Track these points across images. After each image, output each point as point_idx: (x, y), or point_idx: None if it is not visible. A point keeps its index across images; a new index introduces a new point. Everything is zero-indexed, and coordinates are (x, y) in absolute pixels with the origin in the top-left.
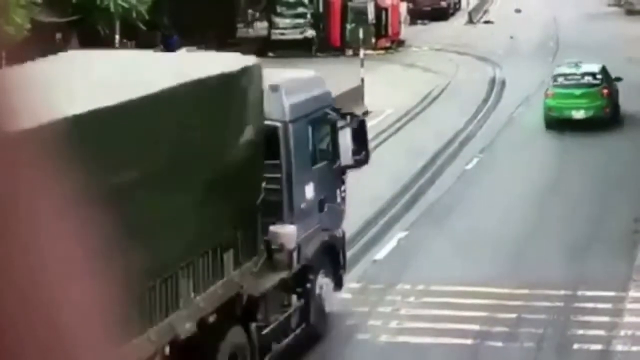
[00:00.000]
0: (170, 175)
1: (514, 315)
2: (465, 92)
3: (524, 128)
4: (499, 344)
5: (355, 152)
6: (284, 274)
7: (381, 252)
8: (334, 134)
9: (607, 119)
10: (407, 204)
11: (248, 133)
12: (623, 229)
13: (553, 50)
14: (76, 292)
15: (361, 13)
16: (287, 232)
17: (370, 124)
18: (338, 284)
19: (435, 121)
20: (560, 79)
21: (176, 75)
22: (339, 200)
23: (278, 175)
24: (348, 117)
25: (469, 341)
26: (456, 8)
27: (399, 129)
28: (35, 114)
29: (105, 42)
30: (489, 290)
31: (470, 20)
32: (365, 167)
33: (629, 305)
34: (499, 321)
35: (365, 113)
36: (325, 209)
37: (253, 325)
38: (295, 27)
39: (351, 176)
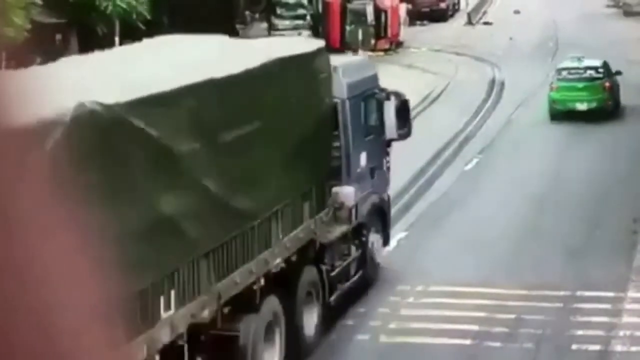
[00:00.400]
0: (267, 135)
1: (513, 316)
2: (465, 93)
3: (524, 129)
4: (498, 344)
5: (399, 127)
6: (345, 228)
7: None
8: (380, 110)
9: (608, 110)
10: (406, 204)
11: (322, 104)
12: (622, 229)
13: (552, 50)
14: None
15: (360, 14)
16: (347, 192)
17: None
18: (385, 241)
19: (435, 122)
20: (564, 73)
21: (265, 54)
22: (385, 169)
23: (338, 144)
24: (392, 97)
25: (468, 341)
26: (455, 9)
27: None
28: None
29: (104, 43)
30: (488, 291)
31: (469, 22)
32: None
33: (628, 306)
34: (498, 322)
35: None
36: (375, 176)
37: (323, 267)
38: (294, 28)
39: None
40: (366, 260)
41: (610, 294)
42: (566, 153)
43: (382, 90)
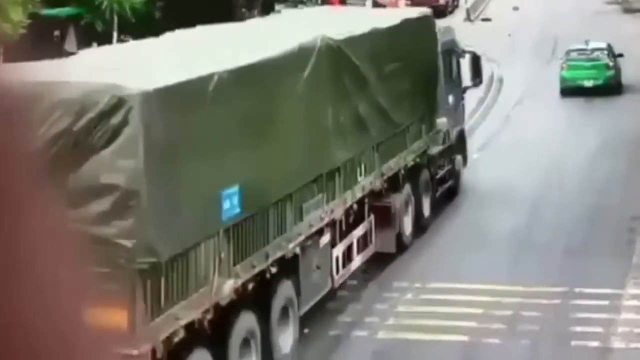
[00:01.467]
0: (404, 73)
1: (511, 312)
2: None
3: (522, 126)
4: (496, 340)
5: (472, 78)
6: (441, 147)
7: None
8: (458, 64)
9: (612, 88)
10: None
11: (431, 55)
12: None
13: (551, 47)
14: None
15: None
16: (442, 121)
17: None
18: (465, 162)
19: None
20: (573, 54)
21: (398, 17)
22: (462, 109)
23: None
24: (468, 55)
25: (466, 338)
26: (454, 5)
27: None
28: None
29: (103, 39)
30: (486, 287)
31: (468, 18)
32: None
33: (627, 302)
34: (496, 318)
35: None
36: (457, 112)
37: (432, 170)
38: None
39: None
40: (454, 173)
41: (609, 291)
42: (563, 149)
43: (460, 48)
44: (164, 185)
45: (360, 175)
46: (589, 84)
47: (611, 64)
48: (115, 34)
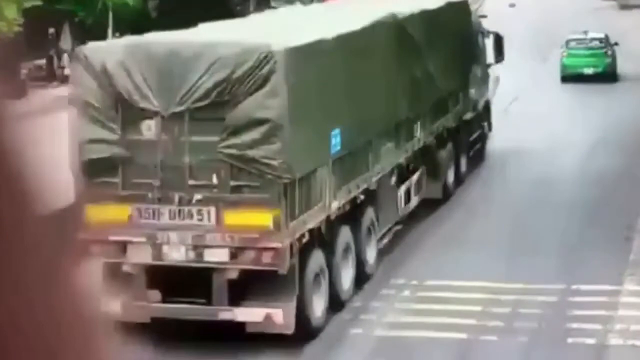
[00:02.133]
0: (449, 48)
1: (508, 310)
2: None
3: (519, 122)
4: (494, 338)
5: (495, 55)
6: (473, 114)
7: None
8: (484, 43)
9: (610, 75)
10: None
11: (467, 34)
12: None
13: (547, 44)
14: None
15: None
16: (473, 91)
17: None
18: (490, 128)
19: None
20: (573, 43)
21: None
22: (487, 82)
23: None
24: (492, 35)
25: (463, 335)
26: None
27: None
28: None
29: (97, 36)
30: (484, 285)
31: None
32: None
33: (624, 299)
34: (494, 315)
35: None
36: (483, 85)
37: (466, 133)
38: None
39: None
40: (482, 136)
41: (606, 287)
42: (560, 144)
43: (486, 30)
44: (298, 121)
45: (417, 131)
46: (589, 71)
47: (609, 52)
48: (110, 31)
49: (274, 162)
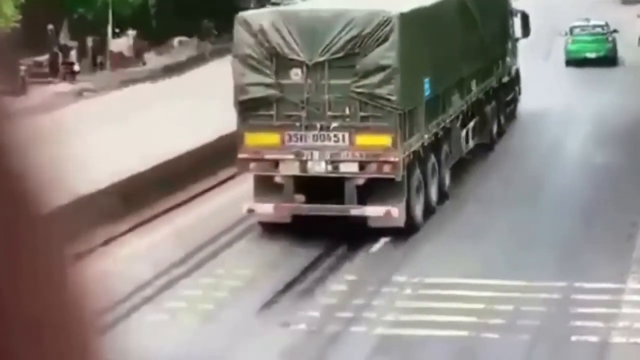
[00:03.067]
0: (492, 22)
1: (510, 307)
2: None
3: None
4: (496, 336)
5: (522, 30)
6: (508, 78)
7: (376, 245)
8: (513, 20)
9: (611, 59)
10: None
11: (505, 11)
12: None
13: (549, 37)
14: None
15: None
16: (508, 59)
17: None
18: (519, 92)
19: None
20: (576, 30)
21: None
22: (516, 53)
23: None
24: (519, 13)
25: (465, 333)
26: None
27: None
28: None
29: (96, 32)
30: (486, 283)
31: None
32: None
33: (627, 297)
34: (496, 313)
35: None
36: (514, 55)
37: (503, 94)
38: None
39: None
40: (515, 98)
41: (609, 285)
42: (557, 140)
43: (514, 9)
44: (407, 69)
45: (473, 87)
46: (591, 55)
47: (610, 38)
48: (110, 28)
49: (392, 98)
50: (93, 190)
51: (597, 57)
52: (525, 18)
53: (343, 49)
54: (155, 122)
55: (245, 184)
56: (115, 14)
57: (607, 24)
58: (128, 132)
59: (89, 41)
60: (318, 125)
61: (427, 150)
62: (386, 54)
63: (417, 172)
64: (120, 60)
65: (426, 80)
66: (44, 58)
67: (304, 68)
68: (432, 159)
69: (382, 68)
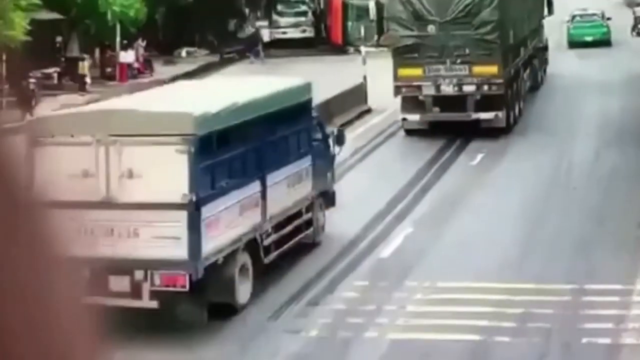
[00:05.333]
0: (531, 2)
1: (521, 310)
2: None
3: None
4: (507, 339)
5: (547, 10)
6: (542, 44)
7: (387, 250)
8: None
9: (605, 41)
10: (409, 204)
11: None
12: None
13: (557, 42)
14: None
15: (362, 10)
16: (543, 29)
17: (373, 121)
18: (547, 60)
19: None
20: (577, 17)
21: None
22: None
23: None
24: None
25: (477, 337)
26: None
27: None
28: None
29: (104, 44)
30: (496, 286)
31: None
32: (370, 169)
33: (637, 298)
34: (507, 316)
35: (368, 111)
36: (542, 28)
37: (541, 56)
38: (296, 25)
39: (357, 184)
40: (546, 62)
41: (619, 287)
42: (552, 138)
43: None
44: (504, 23)
45: (529, 43)
46: (589, 38)
47: (605, 24)
48: (118, 39)
49: (497, 41)
50: None
51: (594, 39)
52: (550, 0)
53: (463, 10)
54: None
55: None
56: (123, 26)
57: (602, 13)
58: None
59: (97, 52)
60: (447, 61)
61: (513, 78)
62: (492, 12)
63: (510, 91)
64: (129, 71)
65: (511, 31)
66: (53, 70)
67: (437, 24)
68: (515, 85)
69: (489, 22)
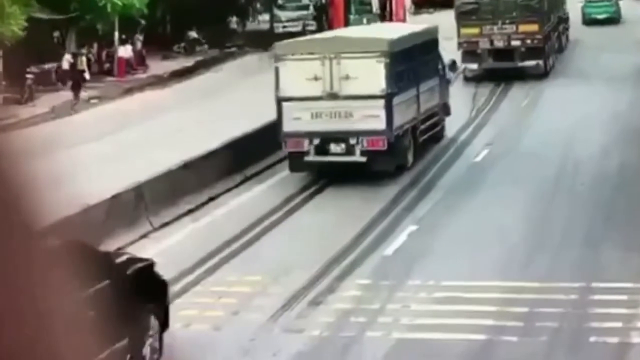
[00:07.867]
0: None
1: (527, 309)
2: (471, 81)
3: (529, 116)
4: (514, 338)
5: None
6: (563, 27)
7: (390, 248)
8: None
9: (616, 19)
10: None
11: None
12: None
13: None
14: None
15: (365, 3)
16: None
17: None
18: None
19: None
20: None
21: None
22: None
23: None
24: None
25: (482, 336)
26: None
27: None
28: None
29: (103, 40)
30: (502, 284)
31: None
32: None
33: None
34: (513, 315)
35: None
36: (562, 23)
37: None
38: (298, 19)
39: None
40: (567, 29)
41: (628, 285)
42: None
43: None
44: (549, 9)
45: (555, 12)
46: (601, 17)
47: (614, 4)
48: (116, 34)
49: (537, 6)
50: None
51: (606, 17)
52: None
53: None
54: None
55: None
56: (121, 22)
57: None
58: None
59: (96, 48)
60: (499, 22)
61: (548, 36)
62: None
63: (547, 45)
64: (127, 67)
65: (546, 1)
66: (51, 66)
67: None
68: (550, 41)
69: (533, 9)
